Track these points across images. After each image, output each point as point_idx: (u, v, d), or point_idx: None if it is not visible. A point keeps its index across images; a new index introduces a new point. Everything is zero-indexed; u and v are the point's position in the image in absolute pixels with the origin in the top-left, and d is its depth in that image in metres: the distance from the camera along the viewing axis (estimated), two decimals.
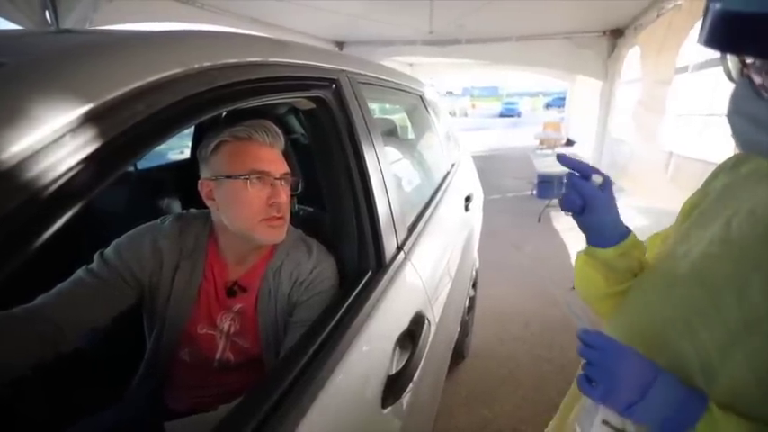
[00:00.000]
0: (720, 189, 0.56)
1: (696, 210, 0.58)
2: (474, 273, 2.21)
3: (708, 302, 0.48)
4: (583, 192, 0.59)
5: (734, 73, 0.42)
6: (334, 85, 0.85)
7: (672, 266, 0.55)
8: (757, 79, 0.39)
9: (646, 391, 0.45)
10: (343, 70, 0.90)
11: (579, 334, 0.50)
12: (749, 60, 0.39)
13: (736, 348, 0.44)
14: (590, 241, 0.64)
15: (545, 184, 5.49)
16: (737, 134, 0.43)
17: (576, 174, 0.61)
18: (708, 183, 0.60)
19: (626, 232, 0.62)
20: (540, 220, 4.79)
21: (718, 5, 0.37)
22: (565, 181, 0.61)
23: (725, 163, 0.59)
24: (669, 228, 0.66)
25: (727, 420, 0.42)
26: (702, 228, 0.54)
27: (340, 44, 7.28)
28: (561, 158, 0.62)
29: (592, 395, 0.49)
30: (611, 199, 0.61)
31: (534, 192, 5.77)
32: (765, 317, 0.42)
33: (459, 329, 1.82)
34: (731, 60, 0.41)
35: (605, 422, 0.50)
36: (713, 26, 0.38)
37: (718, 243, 0.50)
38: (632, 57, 5.55)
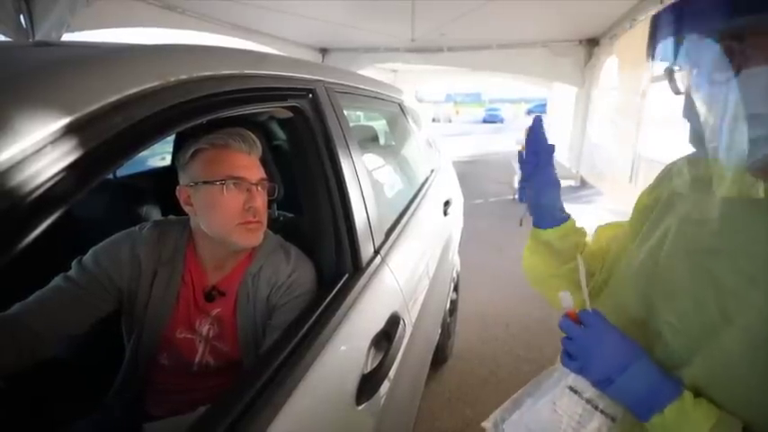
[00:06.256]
0: (667, 196, 0.59)
1: (651, 213, 0.61)
2: (455, 275, 2.25)
3: (669, 309, 0.51)
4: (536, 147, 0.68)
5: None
6: (310, 95, 0.87)
7: (638, 268, 0.58)
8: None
9: (624, 370, 0.48)
10: (319, 80, 0.93)
11: (578, 312, 0.53)
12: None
13: (697, 352, 0.47)
14: (537, 222, 0.71)
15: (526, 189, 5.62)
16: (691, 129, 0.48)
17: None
18: (658, 185, 0.63)
19: (567, 217, 0.71)
20: (521, 223, 4.76)
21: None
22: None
23: (670, 169, 0.61)
24: (615, 223, 0.73)
25: (698, 408, 0.44)
26: (653, 236, 0.57)
27: (323, 51, 7.32)
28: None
29: (570, 367, 0.52)
30: (556, 179, 0.69)
31: (516, 196, 5.90)
32: (720, 326, 0.45)
33: (440, 331, 1.85)
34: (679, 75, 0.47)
35: (571, 388, 0.53)
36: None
37: (671, 253, 0.53)
38: (611, 65, 5.74)
